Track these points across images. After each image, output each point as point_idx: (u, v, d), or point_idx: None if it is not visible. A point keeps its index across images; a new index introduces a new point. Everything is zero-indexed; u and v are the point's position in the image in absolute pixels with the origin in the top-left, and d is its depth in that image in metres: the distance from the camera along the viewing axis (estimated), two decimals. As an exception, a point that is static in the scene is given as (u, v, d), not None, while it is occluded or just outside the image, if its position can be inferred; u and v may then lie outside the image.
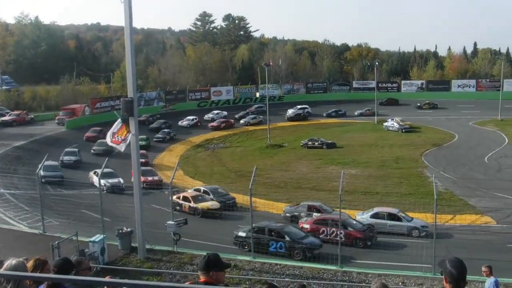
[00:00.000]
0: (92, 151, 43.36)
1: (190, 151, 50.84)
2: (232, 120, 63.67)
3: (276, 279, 15.17)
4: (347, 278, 15.53)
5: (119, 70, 79.29)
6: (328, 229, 22.04)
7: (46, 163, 33.22)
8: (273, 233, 20.15)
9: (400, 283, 15.02)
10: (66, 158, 39.15)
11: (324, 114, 68.80)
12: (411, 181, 36.14)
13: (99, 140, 44.71)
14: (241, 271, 16.01)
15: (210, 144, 53.82)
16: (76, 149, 41.48)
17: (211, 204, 28.03)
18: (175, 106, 69.95)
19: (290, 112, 67.95)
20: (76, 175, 35.32)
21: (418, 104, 72.63)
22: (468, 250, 19.99)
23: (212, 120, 63.65)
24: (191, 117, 62.21)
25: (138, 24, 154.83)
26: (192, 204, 27.73)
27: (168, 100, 71.15)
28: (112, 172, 33.09)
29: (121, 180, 33.14)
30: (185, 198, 28.29)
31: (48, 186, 32.02)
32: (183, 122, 61.19)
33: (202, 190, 30.53)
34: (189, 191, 30.48)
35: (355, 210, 26.66)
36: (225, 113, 66.56)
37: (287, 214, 26.95)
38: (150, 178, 33.61)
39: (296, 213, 26.50)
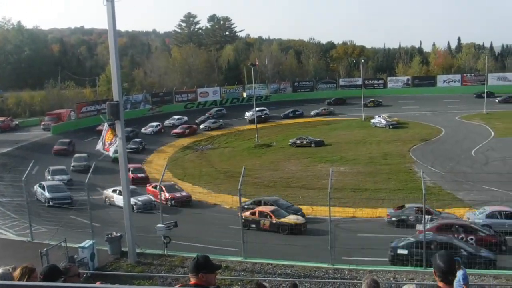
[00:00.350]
0: (71, 167, 38.76)
1: (178, 153, 50.56)
2: (195, 126, 60.93)
3: (268, 278, 15.13)
4: (338, 275, 15.52)
5: (104, 74, 78.87)
6: (456, 235, 19.91)
7: (49, 183, 31.61)
8: (442, 247, 17.06)
9: (392, 278, 15.06)
10: (57, 177, 34.06)
11: (282, 115, 68.01)
12: (399, 177, 36.37)
13: (76, 155, 41.06)
14: (233, 272, 15.95)
15: (198, 146, 53.71)
16: (63, 167, 37.13)
17: (295, 218, 24.91)
18: (162, 108, 69.56)
19: (249, 114, 65.50)
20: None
21: (364, 103, 72.94)
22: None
23: (174, 126, 60.42)
24: (154, 124, 59.17)
25: (122, 26, 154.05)
26: (274, 221, 24.56)
27: (155, 102, 70.73)
28: (135, 189, 29.21)
29: (152, 197, 30.02)
30: (262, 214, 25.20)
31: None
32: (147, 129, 57.63)
33: (262, 202, 27.44)
34: (247, 203, 27.43)
35: (344, 207, 26.71)
36: (185, 118, 63.63)
37: (393, 219, 24.68)
38: (178, 195, 31.14)
39: (403, 217, 24.27)
